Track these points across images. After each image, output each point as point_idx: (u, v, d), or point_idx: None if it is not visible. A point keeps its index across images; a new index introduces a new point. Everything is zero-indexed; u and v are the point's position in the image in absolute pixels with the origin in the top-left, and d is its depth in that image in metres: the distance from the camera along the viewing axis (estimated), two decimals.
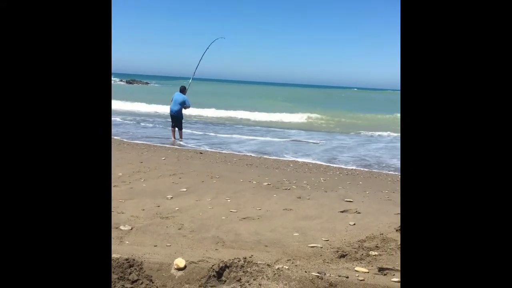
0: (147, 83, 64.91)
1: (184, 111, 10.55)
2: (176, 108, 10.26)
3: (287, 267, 2.26)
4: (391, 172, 7.33)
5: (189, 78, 11.33)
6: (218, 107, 19.40)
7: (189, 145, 9.55)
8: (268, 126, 15.19)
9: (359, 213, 3.95)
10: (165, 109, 13.96)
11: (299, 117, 18.20)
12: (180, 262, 2.30)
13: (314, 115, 19.05)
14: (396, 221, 3.50)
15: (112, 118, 14.25)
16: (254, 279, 2.11)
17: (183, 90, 10.43)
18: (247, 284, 2.08)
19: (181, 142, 10.05)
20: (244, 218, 3.64)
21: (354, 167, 7.69)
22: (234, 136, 12.01)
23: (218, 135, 12.03)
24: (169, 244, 2.81)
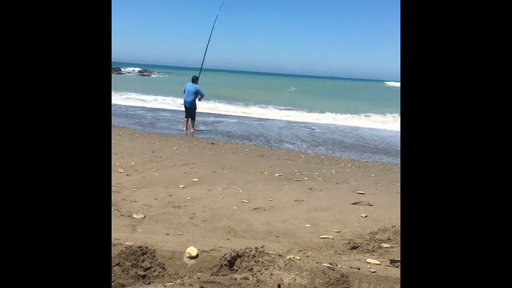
0: (158, 72, 65.19)
1: (198, 103, 10.50)
2: (190, 99, 10.22)
3: (298, 258, 2.27)
4: None
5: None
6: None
7: (201, 136, 9.58)
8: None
9: (371, 205, 3.93)
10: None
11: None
12: (193, 250, 2.32)
13: None
14: None
15: (125, 108, 14.38)
16: (265, 269, 2.12)
17: (195, 80, 10.36)
18: (258, 273, 2.08)
19: (193, 131, 10.12)
20: (255, 209, 3.65)
21: (366, 160, 7.63)
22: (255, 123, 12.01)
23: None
24: (181, 233, 2.84)
